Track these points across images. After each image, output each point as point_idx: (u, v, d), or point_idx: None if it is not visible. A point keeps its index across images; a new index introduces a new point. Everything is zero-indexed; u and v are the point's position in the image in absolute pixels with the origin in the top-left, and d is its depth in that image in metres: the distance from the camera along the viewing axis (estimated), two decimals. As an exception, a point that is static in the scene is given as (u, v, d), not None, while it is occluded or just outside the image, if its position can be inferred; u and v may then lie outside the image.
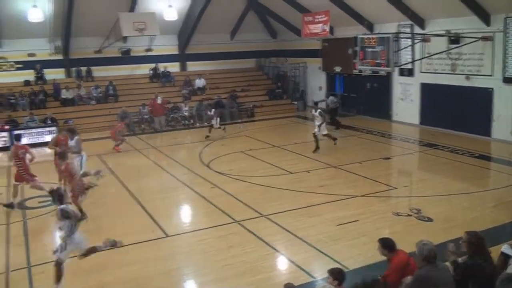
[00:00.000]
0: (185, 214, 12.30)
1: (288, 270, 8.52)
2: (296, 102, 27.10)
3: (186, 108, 23.95)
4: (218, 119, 19.92)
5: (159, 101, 22.63)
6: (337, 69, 24.93)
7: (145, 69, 26.45)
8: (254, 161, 16.13)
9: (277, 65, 29.37)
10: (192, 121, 23.68)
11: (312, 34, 23.30)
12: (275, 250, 9.17)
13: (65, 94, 23.69)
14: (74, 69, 25.27)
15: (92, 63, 25.41)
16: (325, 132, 17.02)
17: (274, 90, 27.59)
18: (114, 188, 13.65)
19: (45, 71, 24.50)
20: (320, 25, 22.59)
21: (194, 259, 9.12)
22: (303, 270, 8.30)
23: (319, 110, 17.08)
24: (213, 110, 20.23)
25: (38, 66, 24.36)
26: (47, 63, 24.60)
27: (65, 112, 22.68)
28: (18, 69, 24.25)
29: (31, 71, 24.32)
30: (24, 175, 12.43)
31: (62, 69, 25.17)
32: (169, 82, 26.33)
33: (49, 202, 12.50)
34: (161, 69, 26.65)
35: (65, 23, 23.06)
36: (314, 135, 16.94)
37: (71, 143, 13.51)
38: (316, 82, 27.17)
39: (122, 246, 8.54)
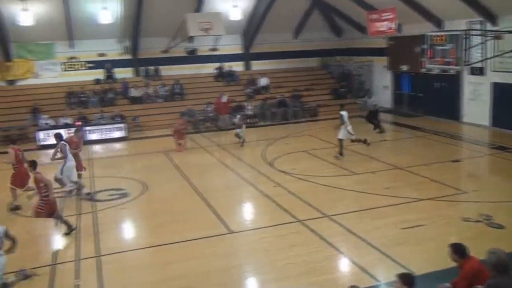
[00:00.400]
0: (248, 211, 12.34)
1: (351, 272, 8.36)
2: (360, 102, 26.59)
3: (250, 107, 24.11)
4: (244, 126, 19.13)
5: (224, 99, 22.91)
6: (404, 68, 24.24)
7: (210, 68, 26.86)
8: (318, 160, 15.97)
9: (342, 63, 28.96)
10: (255, 119, 23.81)
11: (378, 32, 22.76)
12: (338, 251, 9.02)
13: (133, 92, 24.48)
14: (142, 68, 26.07)
15: (160, 62, 26.12)
16: (340, 136, 16.00)
17: (338, 89, 27.22)
18: (178, 184, 13.95)
19: (115, 70, 25.44)
20: (386, 22, 22.02)
21: (255, 257, 9.14)
22: (367, 272, 8.11)
23: (340, 113, 16.16)
24: (238, 116, 19.37)
25: (108, 65, 25.33)
26: (117, 62, 25.53)
27: (133, 110, 23.43)
28: (89, 68, 25.34)
29: (102, 70, 25.33)
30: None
31: (131, 69, 26.02)
32: (234, 81, 26.60)
33: (118, 196, 13.02)
34: (226, 68, 26.97)
35: (134, 24, 23.83)
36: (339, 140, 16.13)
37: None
38: (381, 81, 26.57)
39: (36, 275, 8.37)
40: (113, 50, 25.40)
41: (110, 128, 21.24)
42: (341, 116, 16.01)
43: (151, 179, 14.55)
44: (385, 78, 26.23)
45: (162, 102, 24.54)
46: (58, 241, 10.35)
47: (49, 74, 24.72)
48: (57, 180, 12.92)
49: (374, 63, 26.90)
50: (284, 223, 10.47)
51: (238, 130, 18.81)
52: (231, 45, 27.24)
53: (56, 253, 9.69)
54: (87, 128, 21.01)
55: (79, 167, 13.76)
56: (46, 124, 21.41)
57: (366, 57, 27.21)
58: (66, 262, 9.11)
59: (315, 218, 10.65)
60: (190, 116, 22.25)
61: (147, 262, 9.07)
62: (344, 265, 8.71)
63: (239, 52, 27.84)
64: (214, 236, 10.00)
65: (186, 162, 16.53)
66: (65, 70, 25.05)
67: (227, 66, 27.06)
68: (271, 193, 12.54)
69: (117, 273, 8.55)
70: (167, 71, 26.13)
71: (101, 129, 21.22)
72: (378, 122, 20.25)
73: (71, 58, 25.11)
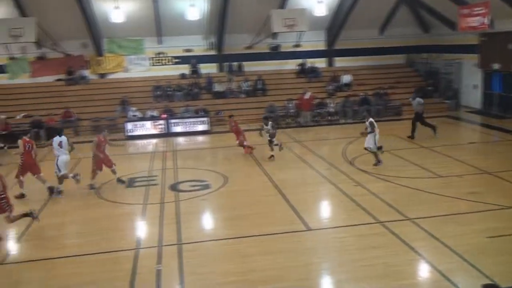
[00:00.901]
0: (327, 209, 12.22)
1: (432, 278, 8.03)
2: (448, 101, 25.46)
3: (332, 104, 23.86)
4: (275, 133, 16.56)
5: (307, 96, 22.84)
6: (496, 66, 22.87)
7: (292, 64, 26.87)
8: (400, 161, 15.49)
9: (429, 61, 27.84)
10: (337, 117, 23.54)
11: (469, 27, 21.64)
12: (420, 256, 8.70)
13: (217, 87, 25.04)
14: (226, 64, 26.58)
15: (243, 58, 26.50)
16: (367, 145, 14.92)
17: (424, 87, 26.22)
18: (258, 179, 14.09)
19: (200, 65, 26.14)
20: (478, 17, 20.88)
21: (333, 255, 9.05)
22: (448, 280, 7.76)
23: (370, 120, 14.89)
24: (270, 123, 16.45)
25: (193, 61, 26.08)
26: (202, 58, 26.23)
27: (216, 104, 23.97)
28: (175, 63, 26.25)
29: (187, 65, 26.13)
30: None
31: (215, 64, 26.63)
32: (316, 78, 26.42)
33: (199, 187, 13.40)
34: (308, 65, 26.85)
35: (219, 21, 24.34)
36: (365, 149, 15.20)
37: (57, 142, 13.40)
38: (471, 80, 25.24)
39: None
40: (199, 46, 26.12)
41: (193, 121, 21.89)
42: (371, 123, 14.77)
43: (232, 172, 14.83)
44: (475, 77, 24.88)
45: (244, 97, 24.89)
46: (143, 227, 10.86)
47: (138, 69, 25.91)
48: (62, 177, 13.32)
49: (464, 61, 25.60)
50: (364, 224, 10.28)
51: (274, 141, 16.42)
52: (315, 41, 27.08)
53: (140, 238, 10.17)
54: (172, 120, 21.78)
55: (108, 163, 14.00)
56: (134, 116, 22.45)
57: (455, 55, 25.94)
58: (149, 247, 9.52)
59: (396, 220, 10.35)
60: (271, 112, 22.41)
61: (225, 253, 9.27)
62: (425, 270, 8.38)
63: (322, 48, 27.61)
64: (292, 232, 10.02)
65: (266, 157, 16.65)
66: (152, 65, 26.14)
67: (310, 62, 26.93)
68: (351, 192, 12.35)
69: (196, 262, 8.80)
70: (250, 67, 26.47)
71: (185, 122, 21.91)
72: (414, 127, 18.80)
73: (159, 53, 26.14)
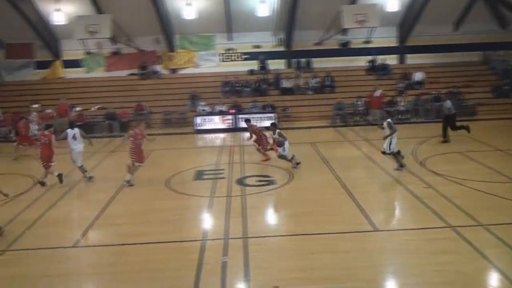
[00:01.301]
0: (396, 211, 11.92)
1: (506, 288, 7.65)
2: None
3: (403, 103, 23.22)
4: (286, 143, 14.96)
5: (377, 94, 22.38)
6: None
7: (362, 61, 26.41)
8: (474, 163, 14.85)
9: (505, 59, 26.42)
10: (407, 116, 22.89)
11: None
12: (492, 265, 8.28)
13: (284, 83, 25.05)
14: (294, 60, 26.53)
15: (312, 54, 26.36)
16: (386, 149, 14.14)
17: (500, 87, 24.95)
18: (324, 176, 13.98)
19: (268, 61, 26.23)
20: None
21: (401, 258, 8.79)
22: (524, 291, 7.37)
23: (387, 121, 14.21)
24: (278, 131, 15.00)
25: (262, 57, 26.22)
26: (270, 54, 26.33)
27: (284, 100, 23.99)
28: (244, 59, 26.52)
29: (256, 61, 26.31)
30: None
31: (283, 60, 26.65)
32: (386, 75, 25.81)
33: (265, 182, 13.48)
34: (379, 62, 26.27)
35: (289, 17, 24.31)
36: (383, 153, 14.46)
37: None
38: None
39: None
40: (268, 42, 26.24)
41: (261, 117, 22.01)
42: (389, 124, 14.06)
43: (298, 169, 14.79)
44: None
45: (312, 94, 24.75)
46: (209, 219, 11.08)
47: (208, 64, 26.43)
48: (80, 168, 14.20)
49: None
50: (434, 227, 9.92)
51: (280, 150, 14.94)
52: (386, 37, 26.46)
53: (207, 230, 10.39)
54: (240, 116, 22.03)
55: (141, 159, 14.00)
56: (203, 110, 22.91)
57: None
58: (216, 239, 9.70)
59: (468, 226, 9.91)
60: (339, 110, 22.16)
61: (290, 249, 9.27)
62: (497, 280, 7.97)
63: (394, 44, 26.92)
64: (358, 231, 9.86)
65: (332, 154, 16.50)
66: (222, 61, 26.56)
67: (380, 59, 26.34)
68: (421, 194, 11.95)
69: (261, 256, 8.87)
70: (318, 63, 26.29)
71: (253, 117, 21.99)
72: (445, 130, 18.06)
73: (229, 49, 26.51)
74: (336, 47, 26.48)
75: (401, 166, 14.25)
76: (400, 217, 11.36)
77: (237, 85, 25.03)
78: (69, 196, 13.30)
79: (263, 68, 26.17)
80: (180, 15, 24.43)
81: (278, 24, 25.37)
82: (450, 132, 17.97)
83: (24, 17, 23.55)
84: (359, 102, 23.00)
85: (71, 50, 26.01)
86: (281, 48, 26.39)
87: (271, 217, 11.58)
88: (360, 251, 8.98)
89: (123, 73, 26.27)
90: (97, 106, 23.92)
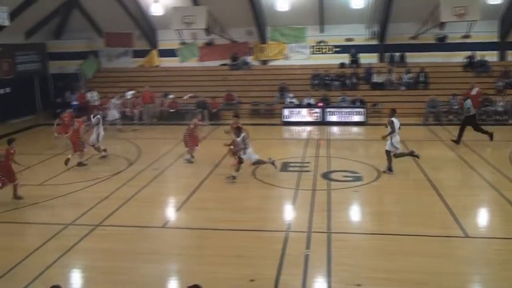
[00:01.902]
0: (489, 217, 11.21)
1: None
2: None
3: (502, 103, 21.84)
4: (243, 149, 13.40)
5: (474, 92, 21.17)
6: None
7: (459, 57, 25.05)
8: None
9: None
10: (505, 117, 21.50)
11: None
12: None
13: (376, 78, 24.43)
14: (387, 54, 25.77)
15: (406, 48, 25.43)
16: (387, 147, 13.61)
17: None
18: (413, 176, 13.52)
19: (360, 55, 25.69)
20: None
21: (491, 269, 8.29)
22: None
23: (392, 119, 13.60)
24: (242, 135, 13.43)
25: (353, 50, 25.73)
26: (362, 47, 25.72)
27: (374, 96, 23.41)
28: (335, 52, 26.15)
29: (347, 54, 25.86)
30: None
31: (376, 54, 25.96)
32: (485, 72, 24.35)
33: (351, 178, 13.29)
34: (477, 58, 24.82)
35: (384, 9, 23.60)
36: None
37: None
38: None
39: None
40: (360, 35, 25.65)
41: (349, 111, 21.70)
42: (391, 123, 13.48)
43: (385, 166, 14.40)
44: None
45: (404, 89, 23.92)
46: (294, 211, 11.13)
47: (298, 57, 26.36)
48: (93, 146, 15.75)
49: None
50: (532, 237, 9.32)
51: (249, 157, 13.48)
52: (486, 32, 24.86)
53: (290, 221, 10.46)
54: (328, 109, 21.85)
55: (195, 143, 15.44)
56: (291, 102, 22.94)
57: None
58: (299, 231, 9.74)
59: None
60: (432, 107, 21.27)
61: (374, 248, 9.10)
62: None
63: (495, 40, 25.26)
64: (447, 236, 9.45)
65: (423, 154, 15.84)
66: (313, 53, 26.36)
67: (479, 55, 24.85)
68: (518, 201, 11.25)
69: (344, 253, 8.80)
70: (412, 58, 25.32)
71: (341, 112, 21.82)
72: (461, 132, 17.22)
73: (320, 42, 26.26)
74: (432, 41, 25.30)
75: (390, 170, 13.66)
76: (493, 225, 10.66)
77: (326, 78, 24.77)
78: (161, 178, 13.95)
79: (355, 61, 25.67)
80: (273, 7, 24.55)
81: (372, 17, 24.73)
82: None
83: (124, 8, 24.80)
84: (454, 100, 21.90)
85: (167, 40, 27.04)
86: (374, 42, 25.70)
87: (356, 214, 11.42)
88: (448, 256, 8.62)
89: (215, 63, 26.91)
90: (189, 95, 24.72)
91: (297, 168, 14.40)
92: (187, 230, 10.22)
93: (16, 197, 11.97)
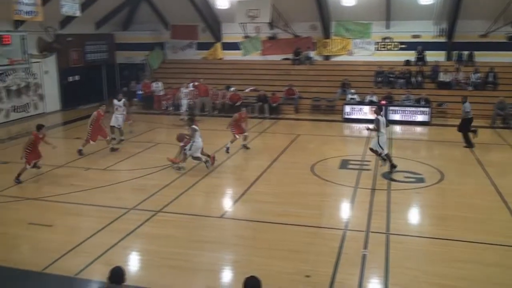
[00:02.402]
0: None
1: None
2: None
3: None
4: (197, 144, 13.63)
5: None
6: None
7: (531, 57, 23.78)
8: None
9: None
10: None
11: None
12: None
13: (442, 77, 23.61)
14: (455, 52, 24.83)
15: (475, 47, 24.38)
16: (372, 145, 13.60)
17: None
18: (477, 181, 12.98)
19: (426, 53, 24.90)
20: None
21: None
22: None
23: (376, 117, 13.57)
24: (192, 127, 13.71)
25: (419, 47, 24.97)
26: (429, 45, 24.91)
27: (440, 95, 22.65)
28: (401, 49, 25.46)
29: (413, 52, 25.12)
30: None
31: (443, 52, 25.05)
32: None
33: (413, 179, 12.94)
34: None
35: (453, 5, 22.72)
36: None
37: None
38: None
39: None
40: (427, 32, 24.84)
41: (413, 111, 21.08)
42: (376, 121, 13.37)
43: (449, 169, 13.91)
44: None
45: (471, 90, 22.98)
46: (352, 210, 10.98)
47: (362, 53, 25.89)
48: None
49: None
50: None
51: (187, 148, 13.60)
52: None
53: (348, 220, 10.34)
54: (391, 108, 21.35)
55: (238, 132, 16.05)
56: (353, 99, 22.60)
57: None
58: (357, 230, 9.61)
59: None
60: (501, 110, 20.33)
61: (433, 252, 8.82)
62: None
63: None
64: (509, 246, 9.01)
65: (489, 158, 15.25)
66: (377, 50, 25.81)
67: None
68: None
69: (403, 255, 8.59)
70: (482, 57, 24.25)
71: (405, 110, 21.24)
72: (466, 135, 16.54)
73: (385, 38, 25.66)
74: (503, 40, 24.10)
75: (384, 160, 13.61)
76: None
77: (390, 75, 24.20)
78: (220, 169, 14.14)
79: (421, 59, 24.89)
80: (338, 1, 24.20)
81: (440, 13, 23.88)
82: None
83: (190, 0, 25.21)
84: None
85: (230, 33, 27.30)
86: (442, 39, 24.80)
87: (416, 217, 11.12)
88: (508, 267, 8.22)
89: (277, 57, 26.91)
90: (251, 88, 24.88)
91: (356, 166, 14.18)
92: (244, 222, 10.33)
93: (18, 175, 12.78)
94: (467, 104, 16.94)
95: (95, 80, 27.13)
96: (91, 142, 15.55)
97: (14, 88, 21.67)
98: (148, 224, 10.02)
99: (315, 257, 8.50)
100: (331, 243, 9.00)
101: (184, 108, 21.42)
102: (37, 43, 22.03)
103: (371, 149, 13.81)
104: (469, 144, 16.46)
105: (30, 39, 21.07)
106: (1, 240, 9.43)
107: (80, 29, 24.99)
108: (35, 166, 13.12)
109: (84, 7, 21.62)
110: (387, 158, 13.56)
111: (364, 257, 8.47)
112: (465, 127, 16.79)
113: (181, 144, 13.90)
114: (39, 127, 13.12)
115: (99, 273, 7.80)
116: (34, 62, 22.12)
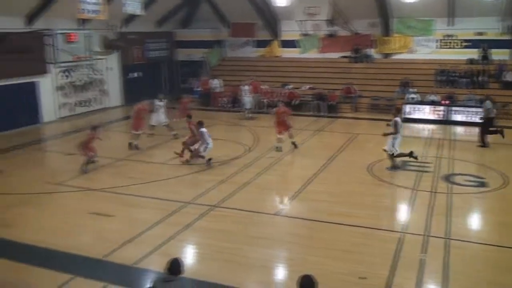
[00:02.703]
0: None
1: None
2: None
3: None
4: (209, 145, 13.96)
5: None
6: None
7: None
8: None
9: None
10: None
11: None
12: None
13: (508, 76, 22.55)
14: (521, 51, 23.68)
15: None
16: (387, 148, 13.42)
17: None
18: None
19: (491, 51, 23.85)
20: None
21: None
22: None
23: (394, 119, 13.48)
24: (202, 130, 13.97)
25: (484, 45, 23.95)
26: (494, 43, 23.84)
27: (505, 96, 21.64)
28: (464, 47, 24.51)
29: (477, 50, 24.14)
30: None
31: (509, 50, 23.89)
32: None
33: (475, 183, 12.46)
34: None
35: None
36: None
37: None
38: None
39: None
40: (492, 29, 23.76)
41: (477, 111, 20.22)
42: (395, 123, 13.33)
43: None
44: None
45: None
46: (410, 212, 10.69)
47: (424, 50, 25.12)
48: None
49: None
50: None
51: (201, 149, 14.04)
52: None
53: (406, 222, 10.07)
54: (453, 108, 20.63)
55: (282, 129, 15.85)
56: (412, 98, 21.99)
57: None
58: (415, 234, 9.35)
59: None
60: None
61: (496, 260, 8.47)
62: None
63: None
64: None
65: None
66: (439, 47, 24.97)
67: None
68: None
69: (464, 262, 8.30)
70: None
71: (468, 111, 20.45)
72: (482, 134, 16.40)
73: (448, 35, 24.79)
74: None
75: (394, 167, 13.53)
76: None
77: (453, 74, 23.35)
78: (276, 167, 14.17)
79: (485, 57, 23.86)
80: (400, -2, 23.67)
81: (507, 9, 22.79)
82: None
83: (249, -1, 25.41)
84: None
85: (288, 31, 27.20)
86: (508, 37, 23.69)
87: (478, 222, 10.71)
88: None
89: (336, 55, 26.57)
90: (308, 86, 24.73)
91: (416, 168, 13.77)
92: (299, 220, 10.29)
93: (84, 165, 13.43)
94: (488, 103, 16.86)
95: (155, 77, 27.84)
96: (135, 132, 16.28)
97: (79, 83, 22.62)
98: (204, 219, 10.18)
99: (371, 258, 8.35)
100: (387, 245, 8.82)
101: (247, 106, 21.53)
102: (101, 40, 22.82)
103: (385, 151, 13.63)
104: (484, 144, 16.35)
105: (95, 37, 21.86)
106: (65, 227, 9.88)
107: (142, 27, 25.71)
108: (91, 161, 13.58)
109: (146, 5, 22.19)
110: (398, 156, 13.54)
111: (422, 261, 8.23)
112: (487, 126, 16.69)
113: (193, 147, 14.26)
114: (94, 127, 13.86)
115: (157, 264, 8.03)
116: (98, 59, 22.94)
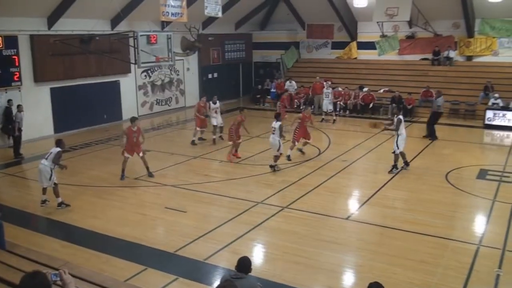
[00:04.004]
0: None
1: None
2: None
3: None
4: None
5: None
6: None
7: None
8: None
9: None
10: None
11: None
12: None
13: None
14: None
15: None
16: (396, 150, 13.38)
17: None
18: None
19: None
20: None
21: None
22: None
23: (398, 117, 13.59)
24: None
25: None
26: None
27: None
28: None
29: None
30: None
31: None
32: None
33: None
34: None
35: None
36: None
37: None
38: None
39: None
40: None
41: None
42: (398, 121, 13.37)
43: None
44: None
45: None
46: (487, 224, 10.22)
47: (509, 53, 23.77)
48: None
49: None
50: None
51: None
52: None
53: (482, 235, 9.64)
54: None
55: (308, 136, 15.23)
56: (496, 104, 20.91)
57: None
58: (491, 247, 8.93)
59: None
60: None
61: None
62: None
63: None
64: None
65: None
66: (525, 50, 23.56)
67: None
68: None
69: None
70: None
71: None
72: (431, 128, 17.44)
73: (536, 37, 23.35)
74: None
75: (395, 167, 13.50)
76: None
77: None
78: (349, 170, 14.05)
79: None
80: (485, -2, 22.56)
81: None
82: None
83: (328, 0, 25.17)
84: None
85: (366, 32, 26.76)
86: None
87: None
88: None
89: (415, 57, 25.83)
90: (385, 89, 24.21)
91: (496, 178, 13.11)
92: (371, 226, 10.12)
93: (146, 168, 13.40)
94: (440, 99, 17.78)
95: (232, 78, 28.40)
96: (197, 129, 17.04)
97: (158, 83, 23.56)
98: (274, 219, 10.31)
99: (444, 270, 8.08)
100: (462, 258, 8.49)
101: (327, 107, 21.40)
102: (181, 42, 23.58)
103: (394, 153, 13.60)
104: (432, 137, 17.34)
105: (175, 38, 22.58)
106: (140, 221, 10.40)
107: (221, 29, 26.33)
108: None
109: (225, 8, 22.67)
110: (401, 156, 13.50)
111: (497, 277, 7.86)
112: (434, 120, 17.72)
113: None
114: (133, 119, 13.38)
115: (226, 261, 8.27)
116: (178, 60, 23.72)
